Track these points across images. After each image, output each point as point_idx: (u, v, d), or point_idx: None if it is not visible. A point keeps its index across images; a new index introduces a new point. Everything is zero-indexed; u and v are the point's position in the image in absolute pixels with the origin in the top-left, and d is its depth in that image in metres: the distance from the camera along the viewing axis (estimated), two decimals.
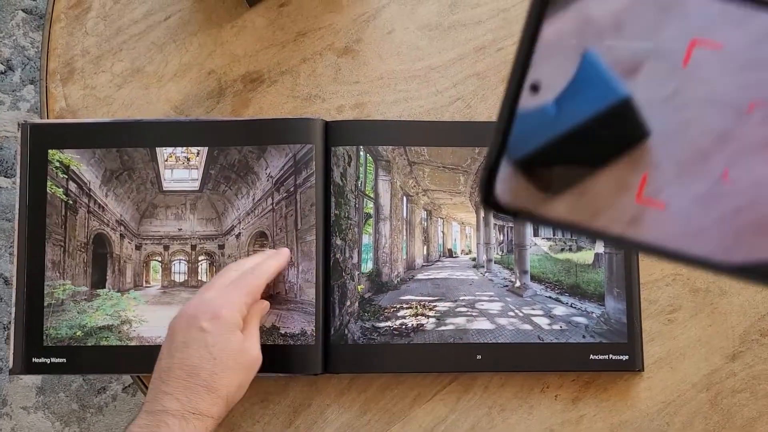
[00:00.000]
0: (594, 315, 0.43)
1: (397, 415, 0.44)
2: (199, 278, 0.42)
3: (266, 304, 0.41)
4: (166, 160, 0.42)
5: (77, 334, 0.42)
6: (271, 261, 0.39)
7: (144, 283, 0.42)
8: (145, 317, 0.42)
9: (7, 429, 0.52)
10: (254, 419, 0.44)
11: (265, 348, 0.39)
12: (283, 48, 0.47)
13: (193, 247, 0.42)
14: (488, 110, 0.46)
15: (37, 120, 0.44)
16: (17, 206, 0.43)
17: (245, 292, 0.38)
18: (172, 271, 0.42)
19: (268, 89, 0.46)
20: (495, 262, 0.44)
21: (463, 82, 0.46)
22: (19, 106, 0.54)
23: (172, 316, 0.42)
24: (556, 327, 0.43)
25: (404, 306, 0.43)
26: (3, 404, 0.53)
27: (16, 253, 0.43)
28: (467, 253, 0.45)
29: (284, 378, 0.43)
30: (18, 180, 0.44)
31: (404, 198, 0.44)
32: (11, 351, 0.43)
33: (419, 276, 0.44)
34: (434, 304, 0.43)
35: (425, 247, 0.45)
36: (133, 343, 0.41)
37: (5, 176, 0.55)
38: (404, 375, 0.44)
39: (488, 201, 0.18)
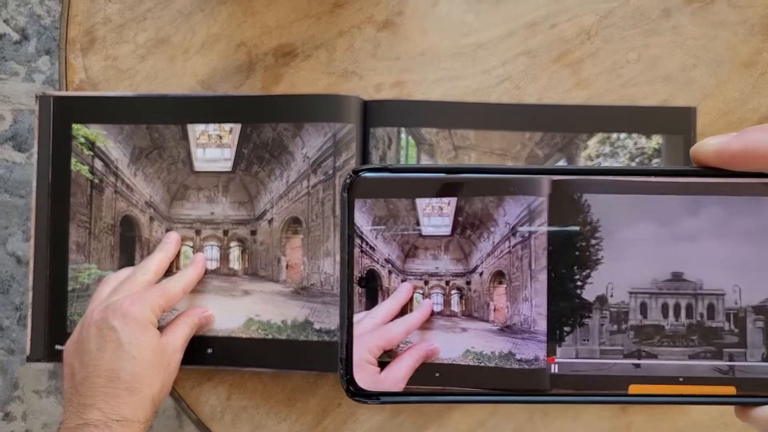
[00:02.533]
0: None
1: (432, 417, 0.46)
2: (230, 266, 0.44)
3: (203, 312, 0.43)
4: (198, 138, 0.44)
5: None
6: (189, 269, 0.43)
7: (174, 269, 0.44)
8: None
9: (19, 413, 0.55)
10: (280, 417, 0.46)
11: (296, 344, 0.41)
12: (319, 20, 0.48)
13: (225, 233, 0.44)
14: (538, 92, 0.47)
15: (60, 92, 0.46)
16: (34, 183, 0.45)
17: (158, 294, 0.40)
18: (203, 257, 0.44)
19: (301, 64, 0.48)
20: None
21: (512, 61, 0.47)
22: (33, 77, 0.56)
23: (203, 304, 0.45)
24: None
25: None
26: (14, 387, 0.56)
27: (33, 233, 0.45)
28: None
29: (313, 376, 0.46)
30: (36, 156, 0.46)
31: None
32: (28, 337, 0.46)
33: None
34: None
35: None
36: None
37: (19, 151, 0.57)
38: None
39: (350, 392, 0.22)
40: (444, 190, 0.22)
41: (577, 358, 0.22)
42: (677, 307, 0.23)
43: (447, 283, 0.23)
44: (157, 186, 0.45)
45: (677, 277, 0.23)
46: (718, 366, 0.23)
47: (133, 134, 0.45)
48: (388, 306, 0.22)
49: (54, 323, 0.44)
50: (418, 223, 0.22)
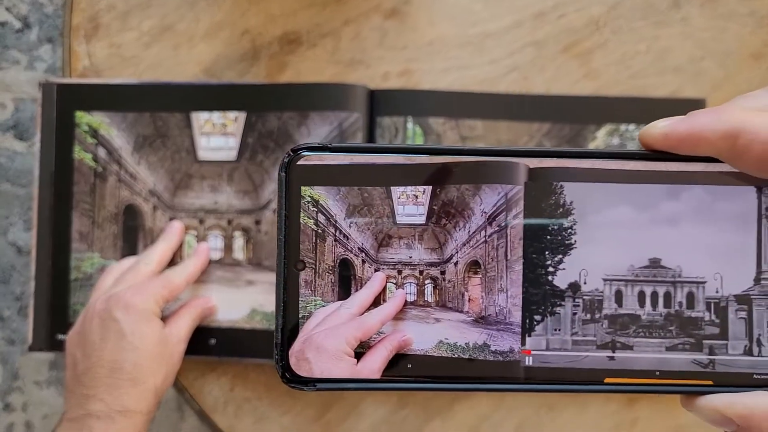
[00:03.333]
0: None
1: (437, 411, 0.46)
2: (234, 256, 0.44)
3: (206, 302, 0.43)
4: (202, 127, 0.44)
5: None
6: (192, 260, 0.43)
7: (178, 258, 0.44)
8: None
9: (19, 404, 0.56)
10: (283, 410, 0.46)
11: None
12: (325, 8, 0.48)
13: (230, 222, 0.44)
14: (546, 83, 0.47)
15: (64, 79, 0.47)
16: (37, 171, 0.46)
17: (161, 285, 0.40)
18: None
19: (306, 53, 0.48)
20: None
21: (520, 51, 0.47)
22: (35, 66, 0.56)
23: (207, 294, 0.45)
24: None
25: None
26: (14, 378, 0.56)
27: (35, 222, 0.45)
28: None
29: None
30: (38, 144, 0.46)
31: None
32: (30, 326, 0.46)
33: None
34: None
35: None
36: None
37: (21, 140, 0.57)
38: None
39: (286, 378, 0.22)
40: (406, 176, 0.22)
41: (550, 349, 0.22)
42: (654, 295, 0.22)
43: (421, 272, 0.22)
44: (160, 174, 0.45)
45: (655, 263, 0.22)
46: (697, 359, 0.22)
47: (137, 122, 0.45)
48: (362, 296, 0.22)
49: (56, 313, 0.44)
50: (392, 212, 0.22)
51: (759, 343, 0.22)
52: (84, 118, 0.45)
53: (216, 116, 0.44)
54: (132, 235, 0.45)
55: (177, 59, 0.48)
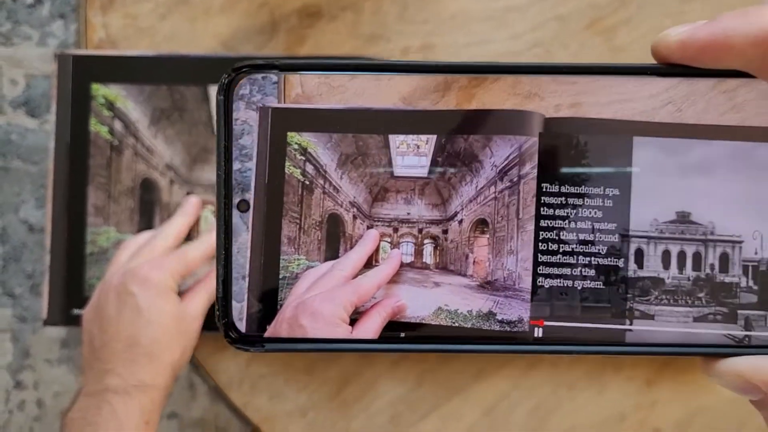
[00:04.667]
0: None
1: (456, 389, 0.46)
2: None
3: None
4: None
5: None
6: (210, 236, 0.42)
7: (194, 234, 0.44)
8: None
9: (30, 382, 0.56)
10: (299, 386, 0.47)
11: None
12: None
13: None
14: (569, 58, 0.47)
15: (80, 51, 0.46)
16: (52, 144, 0.46)
17: (178, 260, 0.40)
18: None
19: (326, 26, 0.48)
20: None
21: (543, 26, 0.47)
22: (47, 42, 0.56)
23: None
24: None
25: None
26: (26, 356, 0.56)
27: (50, 195, 0.46)
28: None
29: None
30: (53, 116, 0.46)
31: None
32: (45, 301, 0.46)
33: None
34: None
35: None
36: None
37: (33, 116, 0.57)
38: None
39: (230, 338, 0.19)
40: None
41: (555, 317, 0.19)
42: (681, 255, 0.19)
43: (420, 231, 0.20)
44: (177, 148, 0.45)
45: (683, 218, 0.19)
46: (731, 333, 0.19)
47: (154, 95, 0.45)
48: (355, 257, 0.20)
49: (71, 287, 0.45)
50: (390, 163, 0.19)
51: None
52: (100, 91, 0.45)
53: None
54: (148, 210, 0.45)
55: (193, 31, 0.47)
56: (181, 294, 0.41)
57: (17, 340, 0.58)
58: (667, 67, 0.18)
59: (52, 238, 0.45)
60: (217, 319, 0.19)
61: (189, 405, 0.54)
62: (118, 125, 0.45)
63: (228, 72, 0.19)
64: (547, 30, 0.47)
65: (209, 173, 0.45)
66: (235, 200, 0.19)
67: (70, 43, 0.54)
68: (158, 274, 0.39)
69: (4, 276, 0.53)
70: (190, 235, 0.44)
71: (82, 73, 0.45)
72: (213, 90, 0.44)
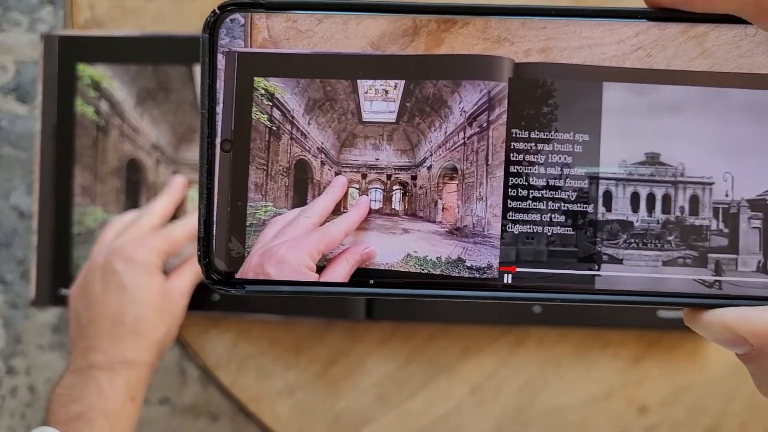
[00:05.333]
0: None
1: (443, 367, 0.46)
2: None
3: None
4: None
5: None
6: (195, 216, 0.42)
7: (180, 213, 0.44)
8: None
9: (22, 367, 0.56)
10: (287, 365, 0.47)
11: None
12: None
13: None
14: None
15: (66, 31, 0.47)
16: (39, 125, 0.46)
17: (163, 239, 0.40)
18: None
19: None
20: None
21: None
22: (36, 28, 0.57)
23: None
24: None
25: None
26: (17, 342, 0.56)
27: (38, 176, 0.46)
28: None
29: (322, 323, 0.46)
30: (40, 98, 0.46)
31: None
32: (33, 282, 0.47)
33: None
34: None
35: None
36: None
37: (22, 102, 0.57)
38: (452, 325, 0.46)
39: (212, 279, 0.19)
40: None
41: (520, 262, 0.19)
42: (651, 198, 0.19)
43: (388, 177, 0.20)
44: (163, 129, 0.45)
45: (653, 159, 0.19)
46: (701, 277, 0.19)
47: (139, 75, 0.45)
48: (322, 203, 0.19)
49: (59, 267, 0.45)
50: (358, 108, 0.19)
51: None
52: (86, 71, 0.45)
53: None
54: (135, 190, 0.45)
55: (180, 11, 0.48)
56: (167, 273, 0.42)
57: (9, 325, 0.58)
58: (660, 11, 0.19)
59: (39, 219, 0.45)
60: (198, 259, 0.19)
61: (180, 390, 0.54)
62: (104, 106, 0.45)
63: (214, 11, 0.19)
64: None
65: (195, 153, 0.45)
66: (220, 138, 0.19)
67: (59, 29, 0.55)
68: (143, 253, 0.39)
69: None
70: (176, 215, 0.45)
71: (68, 54, 0.45)
72: (199, 69, 0.45)
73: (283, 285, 0.19)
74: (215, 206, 0.19)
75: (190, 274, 0.42)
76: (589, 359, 0.46)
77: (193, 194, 0.45)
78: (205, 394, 0.51)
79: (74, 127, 0.45)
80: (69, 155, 0.45)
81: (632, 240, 0.19)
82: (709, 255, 0.19)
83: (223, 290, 0.19)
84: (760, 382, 0.18)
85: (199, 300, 0.44)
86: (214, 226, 0.19)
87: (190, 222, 0.43)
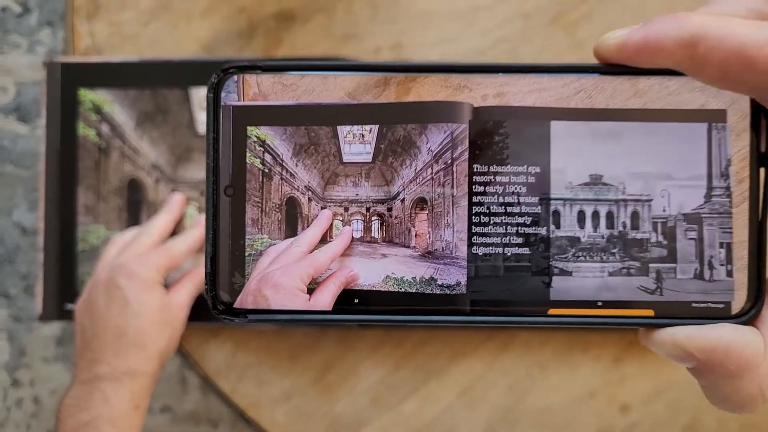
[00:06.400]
0: None
1: (433, 372, 0.49)
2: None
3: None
4: (201, 102, 0.47)
5: None
6: (193, 230, 0.45)
7: (180, 229, 0.47)
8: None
9: (26, 380, 0.58)
10: (283, 373, 0.49)
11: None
12: None
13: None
14: (534, 53, 0.50)
15: (67, 58, 0.50)
16: (43, 147, 0.48)
17: (163, 255, 0.43)
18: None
19: (301, 28, 0.51)
20: None
21: (508, 23, 0.50)
22: (36, 49, 0.59)
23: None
24: None
25: None
26: (21, 355, 0.58)
27: (43, 196, 0.49)
28: None
29: (316, 332, 0.49)
30: (44, 121, 0.49)
31: None
32: (40, 297, 0.49)
33: None
34: None
35: None
36: None
37: (23, 122, 0.60)
38: (440, 331, 0.49)
39: (217, 310, 0.21)
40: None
41: (479, 277, 0.22)
42: (595, 215, 0.21)
43: (368, 209, 0.22)
44: (162, 149, 0.48)
45: (596, 180, 0.21)
46: (643, 284, 0.21)
47: (138, 99, 0.48)
48: (311, 234, 0.22)
49: (64, 283, 0.48)
50: (339, 151, 0.22)
51: (711, 266, 0.21)
52: (87, 96, 0.48)
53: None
54: (136, 208, 0.48)
55: (175, 37, 0.51)
56: (167, 287, 0.44)
57: (13, 339, 0.60)
58: (609, 67, 0.21)
59: (45, 237, 0.48)
60: (206, 292, 0.22)
61: (181, 399, 0.56)
62: (105, 128, 0.48)
63: (217, 72, 0.22)
64: (513, 26, 0.50)
65: (192, 172, 0.48)
66: (223, 185, 0.22)
67: (58, 51, 0.57)
68: (144, 269, 0.42)
69: None
70: (175, 231, 0.47)
71: (69, 80, 0.48)
72: (195, 92, 0.47)
73: (280, 313, 0.22)
74: (219, 245, 0.22)
75: (190, 287, 0.45)
76: (572, 361, 0.48)
77: (191, 211, 0.48)
78: (205, 401, 0.53)
79: (77, 150, 0.48)
80: (72, 176, 0.48)
81: (580, 254, 0.21)
82: (650, 265, 0.21)
83: (228, 319, 0.22)
84: (709, 393, 0.20)
85: (199, 312, 0.46)
86: (219, 262, 0.22)
87: (189, 237, 0.45)
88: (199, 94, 0.48)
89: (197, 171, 0.48)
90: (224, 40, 0.50)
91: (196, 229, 0.46)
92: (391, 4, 0.50)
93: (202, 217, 0.47)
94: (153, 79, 0.48)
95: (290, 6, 0.51)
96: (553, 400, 0.48)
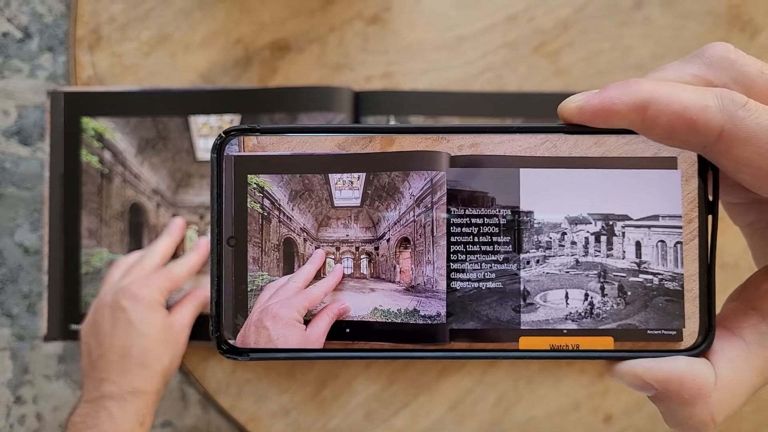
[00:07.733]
0: None
1: (423, 387, 0.51)
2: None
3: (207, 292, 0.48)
4: (200, 129, 0.50)
5: None
6: (193, 253, 0.48)
7: (180, 252, 0.49)
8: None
9: (29, 397, 0.59)
10: (282, 389, 0.52)
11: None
12: (311, 16, 0.54)
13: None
14: (518, 81, 0.53)
15: (70, 87, 0.52)
16: (47, 174, 0.51)
17: (165, 277, 0.45)
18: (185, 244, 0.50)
19: (295, 58, 0.53)
20: None
21: (493, 52, 0.53)
22: (37, 74, 0.61)
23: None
24: None
25: None
26: (25, 372, 0.60)
27: (47, 221, 0.51)
28: None
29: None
30: (48, 149, 0.51)
31: None
32: (44, 318, 0.51)
33: None
34: None
35: None
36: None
37: (25, 145, 0.62)
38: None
39: (222, 349, 0.24)
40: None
41: (470, 311, 0.25)
42: (560, 251, 0.25)
43: (357, 249, 0.25)
44: (162, 174, 0.50)
45: (560, 221, 0.25)
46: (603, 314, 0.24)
47: (139, 126, 0.50)
48: (306, 271, 0.25)
49: (69, 304, 0.50)
50: (330, 196, 0.25)
51: (666, 297, 0.25)
52: (90, 124, 0.50)
53: (213, 119, 0.50)
54: (137, 231, 0.50)
55: (175, 66, 0.53)
56: (169, 307, 0.46)
57: (16, 357, 0.61)
58: (571, 127, 0.24)
59: (49, 260, 0.50)
60: (211, 333, 0.24)
61: (182, 414, 0.57)
62: (107, 155, 0.50)
63: (220, 135, 0.24)
64: (498, 55, 0.53)
65: (192, 196, 0.50)
66: (226, 236, 0.24)
67: (58, 75, 0.59)
68: (147, 291, 0.44)
69: (1, 297, 0.57)
70: (176, 253, 0.49)
71: (72, 108, 0.50)
72: (194, 119, 0.50)
73: (279, 352, 0.24)
74: (224, 291, 0.24)
75: (191, 308, 0.47)
76: (558, 375, 0.51)
77: (191, 234, 0.50)
78: (205, 416, 0.55)
79: (80, 176, 0.50)
80: (76, 201, 0.50)
81: (547, 288, 0.25)
82: (607, 297, 0.24)
83: (232, 358, 0.24)
84: (667, 418, 0.22)
85: (200, 331, 0.48)
86: (223, 306, 0.24)
87: (189, 260, 0.48)
88: (198, 122, 0.50)
89: (197, 195, 0.50)
90: (221, 70, 0.53)
91: (196, 252, 0.49)
92: (381, 35, 0.53)
93: (202, 240, 0.50)
94: (153, 108, 0.50)
95: (284, 36, 0.53)
96: (539, 411, 0.51)
